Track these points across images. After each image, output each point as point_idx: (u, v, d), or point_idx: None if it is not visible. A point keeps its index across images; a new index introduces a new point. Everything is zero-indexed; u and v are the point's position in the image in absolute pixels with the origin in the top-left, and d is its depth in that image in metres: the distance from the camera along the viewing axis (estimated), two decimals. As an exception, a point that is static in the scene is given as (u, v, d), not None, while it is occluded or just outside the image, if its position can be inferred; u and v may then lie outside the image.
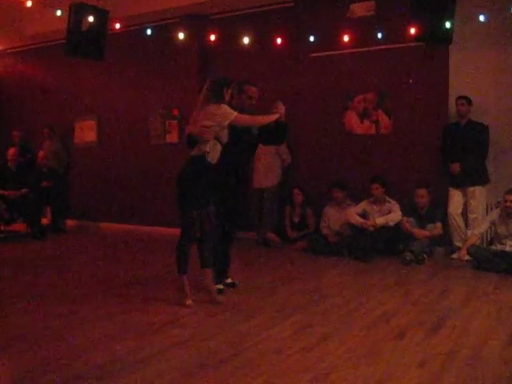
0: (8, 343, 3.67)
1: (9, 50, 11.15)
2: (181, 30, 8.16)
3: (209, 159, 4.58)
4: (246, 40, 7.86)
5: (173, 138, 9.26)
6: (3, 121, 11.24)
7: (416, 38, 6.52)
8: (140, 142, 9.66)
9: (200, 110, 4.65)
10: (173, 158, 9.20)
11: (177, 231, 4.81)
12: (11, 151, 9.11)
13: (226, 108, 4.62)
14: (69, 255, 7.41)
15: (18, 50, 11.04)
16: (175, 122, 9.24)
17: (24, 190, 8.75)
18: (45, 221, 9.49)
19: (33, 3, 7.15)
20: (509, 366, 3.26)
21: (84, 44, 7.60)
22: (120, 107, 9.87)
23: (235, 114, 4.62)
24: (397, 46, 7.34)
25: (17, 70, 11.28)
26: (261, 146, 7.94)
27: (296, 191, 7.77)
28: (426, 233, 6.82)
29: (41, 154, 9.51)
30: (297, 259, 6.97)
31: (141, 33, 8.53)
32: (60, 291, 5.15)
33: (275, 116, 4.91)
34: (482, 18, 6.51)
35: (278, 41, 7.83)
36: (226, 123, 4.60)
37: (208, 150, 4.56)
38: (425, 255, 6.62)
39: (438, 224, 6.87)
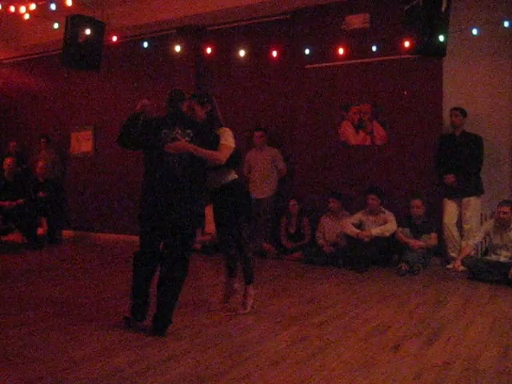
0: (3, 356, 3.67)
1: (6, 61, 11.21)
2: (177, 42, 8.25)
3: None
4: (242, 52, 7.93)
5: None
6: (-1, 131, 11.29)
7: (410, 50, 6.59)
8: (135, 153, 9.66)
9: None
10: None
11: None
12: (7, 161, 9.12)
13: None
14: (65, 266, 7.39)
15: (15, 60, 11.11)
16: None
17: (20, 201, 8.75)
18: (41, 231, 9.48)
19: (31, 15, 7.21)
20: (503, 377, 3.29)
21: (80, 55, 7.67)
22: (116, 118, 9.87)
23: None
24: (391, 57, 7.43)
25: (14, 80, 11.32)
26: (257, 155, 8.10)
27: (292, 202, 7.80)
28: (421, 243, 6.85)
29: (40, 164, 9.51)
30: (293, 270, 7.00)
31: (137, 44, 8.61)
32: (56, 303, 5.15)
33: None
34: (474, 31, 6.63)
35: (274, 53, 7.91)
36: None
37: None
38: (420, 266, 6.65)
39: (433, 234, 6.91)
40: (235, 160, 4.65)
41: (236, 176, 4.74)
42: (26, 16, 7.31)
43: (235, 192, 4.69)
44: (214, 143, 4.40)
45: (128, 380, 3.23)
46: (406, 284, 6.08)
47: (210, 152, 4.31)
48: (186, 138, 4.25)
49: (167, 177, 4.19)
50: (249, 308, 4.77)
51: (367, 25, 7.60)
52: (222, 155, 4.36)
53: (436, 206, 7.10)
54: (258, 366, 3.47)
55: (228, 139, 4.49)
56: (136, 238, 4.56)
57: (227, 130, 4.59)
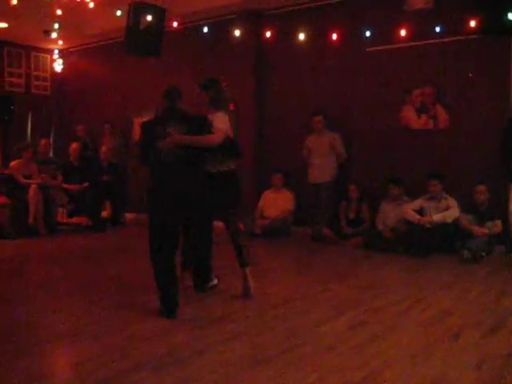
0: (67, 334, 3.82)
1: (72, 49, 11.53)
2: (237, 27, 8.25)
3: None
4: (301, 35, 7.87)
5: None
6: (65, 117, 11.65)
7: (476, 30, 6.36)
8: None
9: None
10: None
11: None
12: (73, 146, 9.42)
13: None
14: (128, 247, 7.61)
15: (79, 48, 11.42)
16: (231, 116, 9.29)
17: (85, 184, 9.05)
18: (105, 214, 9.77)
19: (94, 4, 7.38)
20: None
21: (142, 42, 7.79)
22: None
23: None
24: (456, 38, 7.18)
25: (79, 67, 11.64)
26: (317, 140, 8.03)
27: (351, 187, 7.72)
28: (485, 230, 6.65)
29: (104, 149, 9.78)
30: (352, 255, 6.95)
31: (197, 30, 8.67)
32: (119, 283, 5.31)
33: None
34: (546, 8, 6.29)
35: (334, 36, 7.80)
36: None
37: None
38: (483, 253, 6.46)
39: (498, 222, 6.69)
40: (235, 152, 4.80)
41: (233, 167, 4.77)
42: (91, 4, 7.49)
43: (229, 181, 4.76)
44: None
45: (185, 359, 3.30)
46: (468, 272, 5.92)
47: (201, 137, 4.41)
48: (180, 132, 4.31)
49: (166, 172, 4.29)
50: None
51: (430, 5, 7.36)
52: (215, 137, 4.51)
53: (501, 192, 6.86)
54: (314, 349, 3.48)
55: (220, 123, 4.62)
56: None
57: (222, 114, 4.72)
